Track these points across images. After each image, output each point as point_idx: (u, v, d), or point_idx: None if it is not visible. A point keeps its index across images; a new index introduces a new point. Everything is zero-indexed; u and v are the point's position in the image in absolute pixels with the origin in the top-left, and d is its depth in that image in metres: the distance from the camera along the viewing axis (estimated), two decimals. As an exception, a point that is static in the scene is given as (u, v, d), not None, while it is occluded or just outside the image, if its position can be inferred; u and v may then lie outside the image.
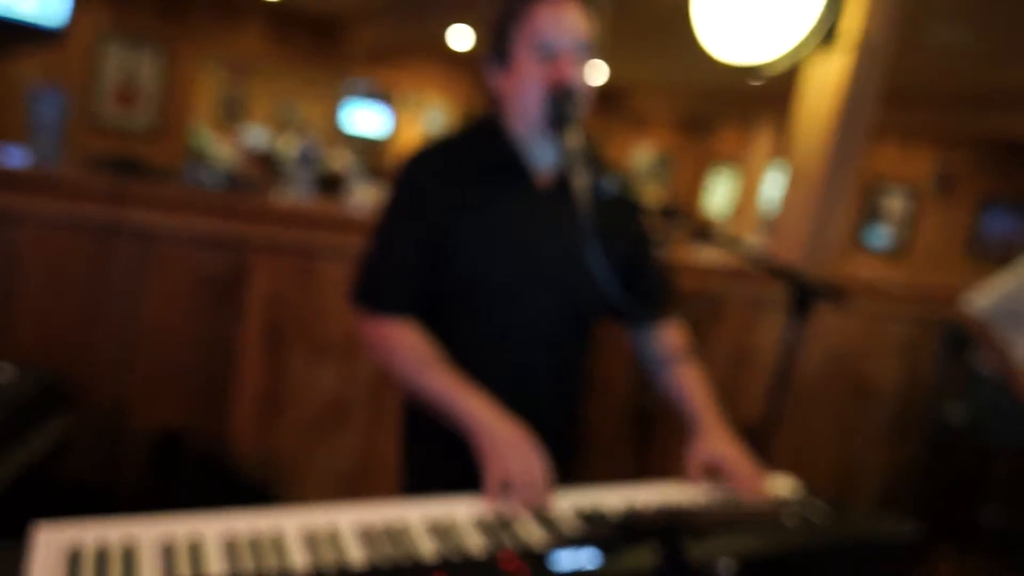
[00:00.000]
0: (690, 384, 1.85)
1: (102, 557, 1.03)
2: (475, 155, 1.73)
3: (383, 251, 1.73)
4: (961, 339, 3.95)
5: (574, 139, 1.56)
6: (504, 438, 1.50)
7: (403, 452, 1.93)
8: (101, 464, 2.67)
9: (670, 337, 1.96)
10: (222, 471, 2.78)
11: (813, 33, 3.61)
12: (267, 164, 4.94)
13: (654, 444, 3.14)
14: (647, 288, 1.91)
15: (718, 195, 14.72)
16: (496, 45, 1.68)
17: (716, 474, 1.65)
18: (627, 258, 1.86)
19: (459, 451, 1.71)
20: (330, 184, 11.02)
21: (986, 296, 3.62)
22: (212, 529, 1.15)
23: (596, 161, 1.71)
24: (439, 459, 1.81)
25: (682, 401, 1.83)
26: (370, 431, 3.11)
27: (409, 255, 1.68)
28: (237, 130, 16.47)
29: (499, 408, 1.57)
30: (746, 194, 11.72)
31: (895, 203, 10.56)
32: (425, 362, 1.63)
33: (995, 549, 3.64)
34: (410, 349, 1.65)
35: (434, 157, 1.75)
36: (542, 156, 1.72)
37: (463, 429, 1.56)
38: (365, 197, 8.92)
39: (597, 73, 1.69)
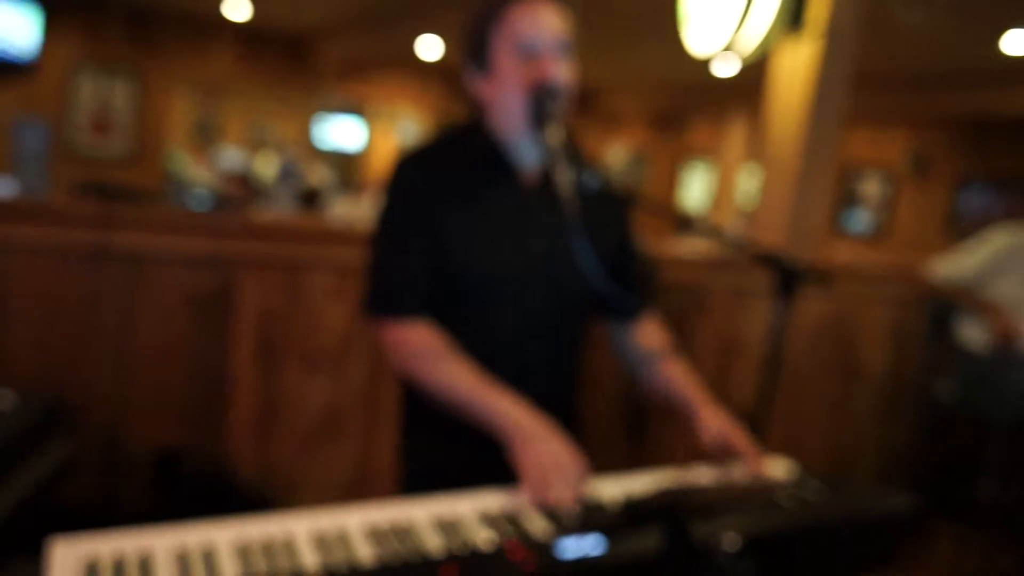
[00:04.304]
0: (679, 375, 1.88)
1: (119, 567, 1.05)
2: (461, 156, 1.75)
3: (388, 258, 1.73)
4: (946, 317, 4.01)
5: (557, 136, 1.58)
6: (534, 434, 1.53)
7: (402, 448, 1.95)
8: (102, 486, 2.68)
9: (651, 331, 2.00)
10: (222, 487, 2.79)
11: (779, 21, 3.66)
12: (246, 183, 4.94)
13: (648, 437, 3.17)
14: (630, 282, 1.94)
15: (694, 189, 14.80)
16: (476, 51, 1.69)
17: (725, 449, 1.69)
18: (613, 252, 1.90)
19: (459, 444, 1.75)
20: (308, 199, 11.05)
21: (950, 263, 3.90)
22: (223, 536, 1.17)
23: (579, 157, 1.73)
24: (439, 452, 1.84)
25: (674, 392, 1.86)
26: (365, 440, 3.12)
27: (414, 258, 1.70)
28: (212, 152, 16.45)
29: (524, 405, 1.59)
30: (722, 187, 11.78)
31: (872, 187, 10.64)
32: (446, 362, 1.65)
33: (992, 522, 3.68)
34: (430, 351, 1.67)
35: (422, 159, 1.77)
36: (526, 156, 1.74)
37: (491, 427, 1.58)
38: (343, 210, 8.95)
39: (575, 70, 1.71)
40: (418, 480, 1.87)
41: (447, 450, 1.83)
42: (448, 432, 1.78)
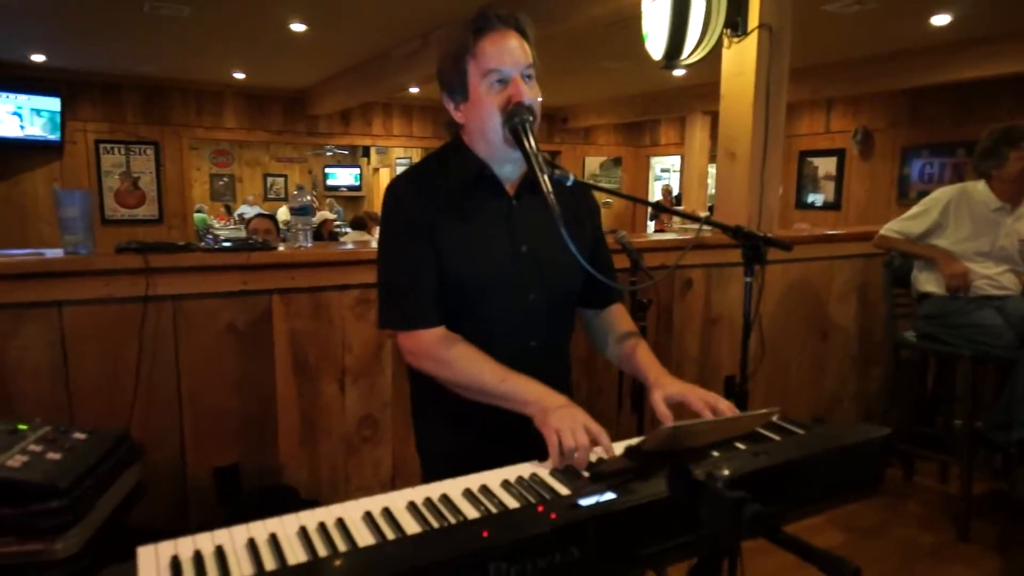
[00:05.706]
0: (638, 351, 1.92)
1: (199, 560, 1.08)
2: (448, 174, 1.77)
3: (395, 272, 1.76)
4: (902, 269, 4.04)
5: (533, 145, 1.62)
6: (557, 407, 1.57)
7: (417, 442, 2.00)
8: (169, 507, 2.71)
9: (618, 315, 2.05)
10: (277, 496, 2.82)
11: (721, 25, 3.72)
12: (271, 227, 5.00)
13: (646, 409, 3.20)
14: (604, 271, 1.98)
15: (665, 186, 14.87)
16: (453, 81, 1.73)
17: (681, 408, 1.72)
18: (590, 244, 1.93)
19: (466, 431, 1.81)
20: (319, 235, 11.14)
21: (901, 222, 3.93)
22: (286, 527, 1.21)
23: (553, 164, 1.77)
24: (449, 440, 1.89)
25: (634, 366, 1.92)
26: (399, 441, 3.15)
27: (421, 270, 1.72)
28: (232, 208, 16.54)
29: (541, 385, 1.64)
30: (690, 181, 11.85)
31: (826, 166, 10.71)
32: (468, 361, 1.69)
33: (967, 448, 3.68)
34: (450, 353, 1.70)
35: (412, 178, 1.80)
36: (505, 169, 1.78)
37: (520, 408, 1.63)
38: (352, 240, 9.04)
39: (541, 89, 1.75)
40: (434, 469, 1.90)
41: (456, 439, 1.86)
42: (455, 422, 1.82)
